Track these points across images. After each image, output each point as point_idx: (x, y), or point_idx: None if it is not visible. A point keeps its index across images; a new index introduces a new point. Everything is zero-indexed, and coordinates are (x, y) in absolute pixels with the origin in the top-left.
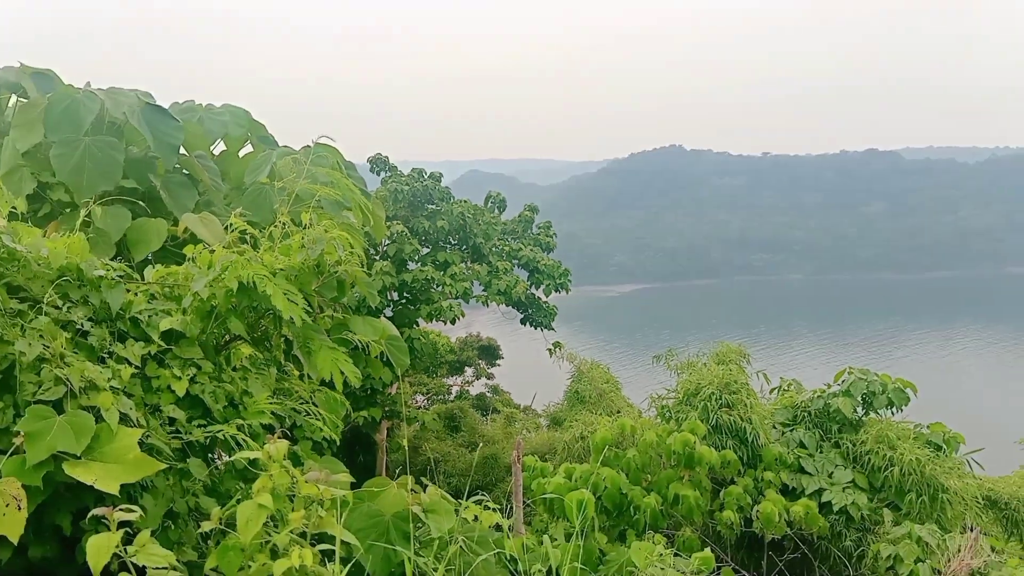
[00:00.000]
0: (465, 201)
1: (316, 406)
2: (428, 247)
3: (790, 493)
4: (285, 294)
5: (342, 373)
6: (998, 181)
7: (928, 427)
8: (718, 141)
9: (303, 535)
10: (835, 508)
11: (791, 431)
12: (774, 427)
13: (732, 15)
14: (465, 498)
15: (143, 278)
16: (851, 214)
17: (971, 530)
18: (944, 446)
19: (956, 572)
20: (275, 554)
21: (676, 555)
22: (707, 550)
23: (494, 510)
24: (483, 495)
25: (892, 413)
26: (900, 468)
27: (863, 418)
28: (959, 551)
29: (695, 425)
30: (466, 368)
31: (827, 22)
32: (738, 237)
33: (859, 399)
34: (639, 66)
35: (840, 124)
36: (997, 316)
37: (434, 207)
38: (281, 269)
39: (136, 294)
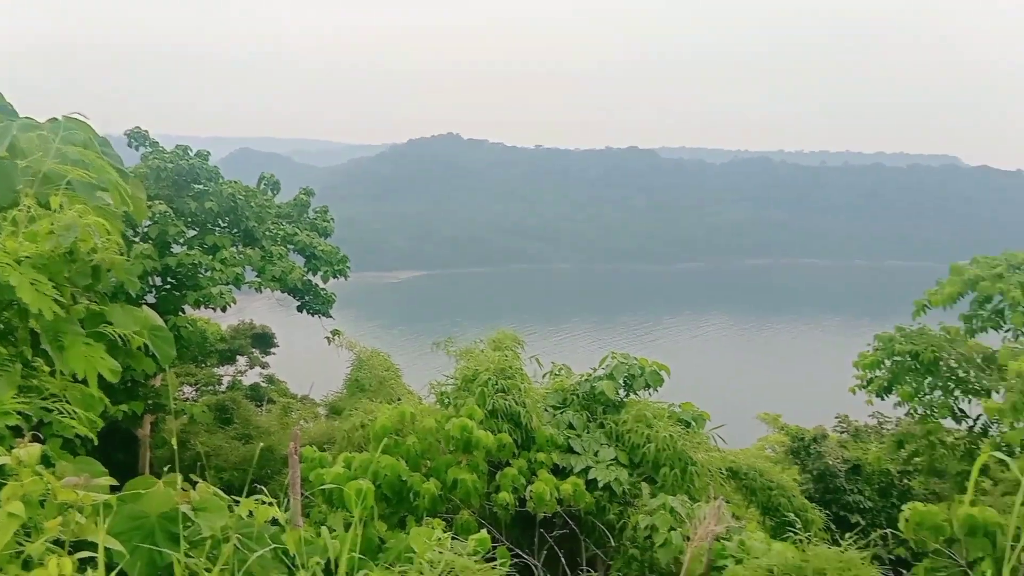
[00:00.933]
0: (236, 182)
1: (69, 403)
2: (195, 229)
3: (560, 472)
4: (32, 284)
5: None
6: (739, 181)
7: (680, 406)
8: (494, 132)
9: (59, 543)
10: (600, 484)
11: (562, 413)
12: (546, 410)
13: (501, 11)
14: (240, 493)
15: None
16: (615, 207)
17: (716, 499)
18: (693, 423)
19: (703, 538)
20: (29, 565)
21: (454, 538)
22: (483, 531)
23: (270, 504)
24: (259, 489)
25: (649, 394)
26: (656, 444)
27: (625, 399)
28: (705, 519)
29: (472, 410)
30: (238, 357)
31: (593, 24)
32: (513, 226)
33: (621, 382)
34: (415, 54)
35: (605, 121)
36: (739, 303)
37: (201, 187)
38: (27, 257)
39: None
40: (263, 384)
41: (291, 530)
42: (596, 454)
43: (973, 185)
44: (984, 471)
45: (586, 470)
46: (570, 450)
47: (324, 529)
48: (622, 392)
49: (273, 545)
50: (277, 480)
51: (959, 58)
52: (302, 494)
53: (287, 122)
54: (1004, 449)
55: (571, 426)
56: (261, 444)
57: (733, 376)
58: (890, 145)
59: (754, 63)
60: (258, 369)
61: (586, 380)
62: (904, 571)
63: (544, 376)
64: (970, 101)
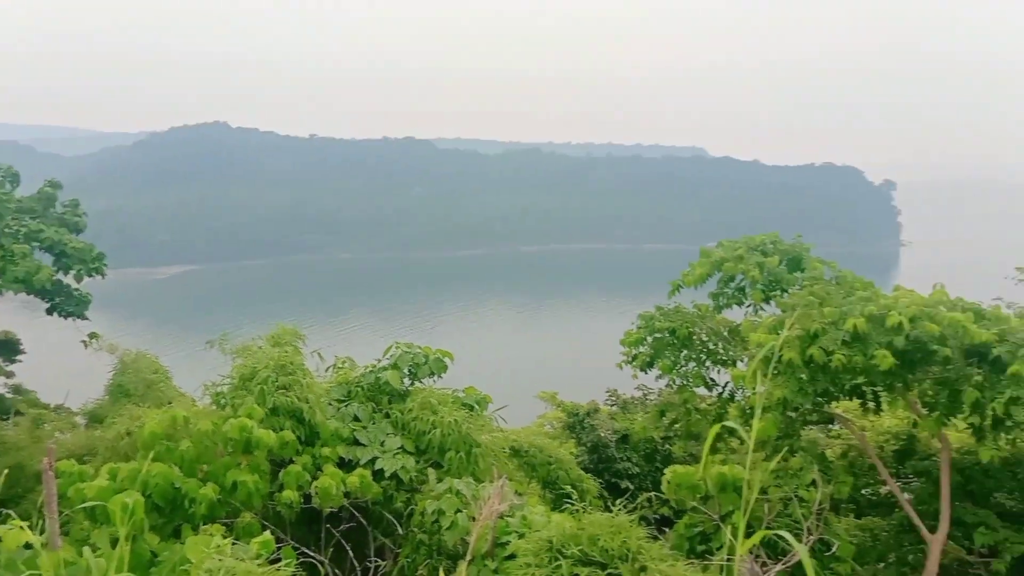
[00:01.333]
0: None
1: None
2: None
3: (347, 465)
4: None
5: None
6: (512, 171)
7: (463, 391)
8: (264, 120)
9: None
10: (387, 474)
11: (346, 406)
12: (330, 404)
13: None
14: None
15: None
16: (395, 196)
17: (499, 478)
18: (476, 406)
19: (487, 517)
20: None
21: (235, 543)
22: (267, 533)
23: (22, 527)
24: (7, 512)
25: (434, 381)
26: (441, 430)
27: (410, 388)
28: (490, 498)
29: (252, 409)
30: None
31: (372, 17)
32: (290, 217)
33: (406, 371)
34: (170, 34)
35: (381, 112)
36: (516, 288)
37: None
38: None
39: None
40: (8, 395)
41: (48, 553)
42: (382, 444)
43: (718, 174)
44: (733, 432)
45: (372, 461)
46: (356, 442)
47: (87, 549)
48: (407, 381)
49: (28, 572)
50: (30, 499)
51: (702, 60)
52: (60, 512)
53: (25, 106)
54: (748, 411)
55: (356, 418)
56: (5, 467)
57: (513, 358)
58: (647, 138)
59: (520, 62)
60: (1, 379)
61: (371, 371)
62: (667, 529)
63: (327, 370)
64: (712, 99)
